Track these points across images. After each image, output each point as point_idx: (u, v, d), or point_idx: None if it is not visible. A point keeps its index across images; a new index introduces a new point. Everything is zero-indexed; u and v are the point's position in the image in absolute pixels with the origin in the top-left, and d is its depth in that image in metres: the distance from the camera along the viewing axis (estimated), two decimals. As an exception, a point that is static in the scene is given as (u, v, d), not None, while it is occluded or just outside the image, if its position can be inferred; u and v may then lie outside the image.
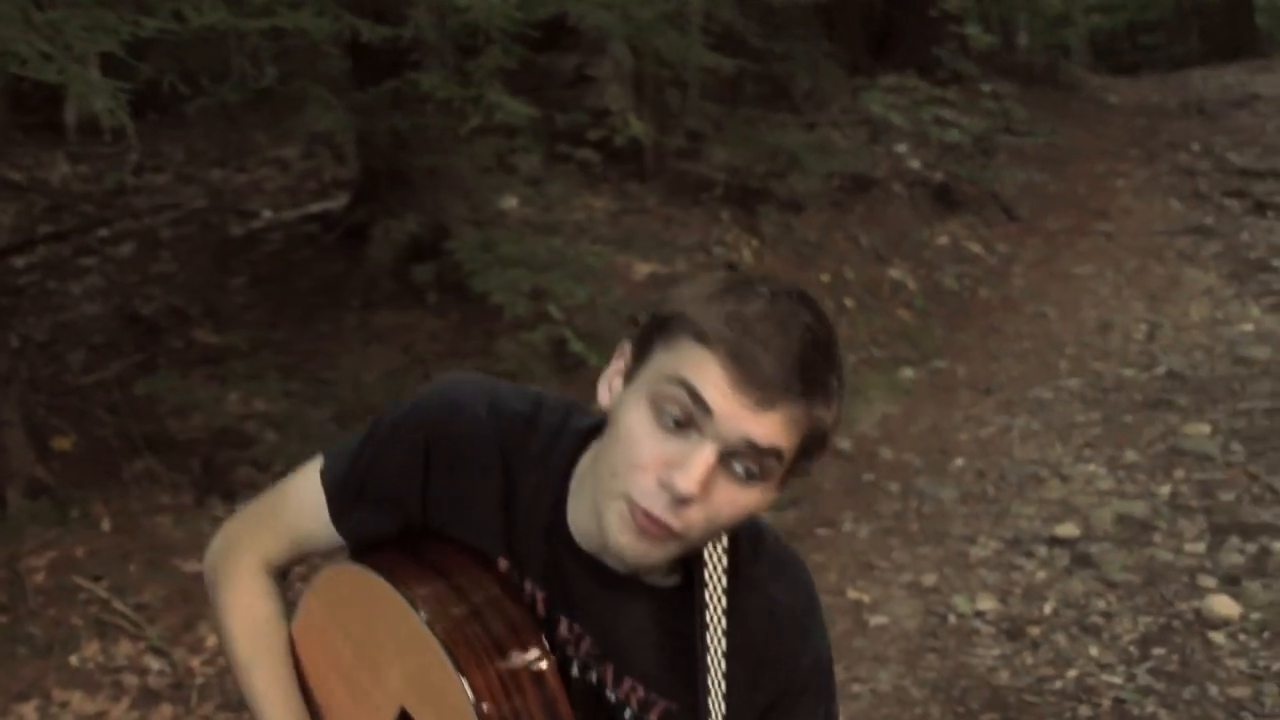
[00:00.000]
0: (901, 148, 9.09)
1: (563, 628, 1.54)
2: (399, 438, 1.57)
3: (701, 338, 1.36)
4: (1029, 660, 3.91)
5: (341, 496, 1.62)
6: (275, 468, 4.69)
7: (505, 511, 1.54)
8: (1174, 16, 18.67)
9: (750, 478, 1.37)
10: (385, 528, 1.60)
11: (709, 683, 1.49)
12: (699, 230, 7.08)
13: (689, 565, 1.52)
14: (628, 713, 1.55)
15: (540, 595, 1.55)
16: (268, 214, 6.29)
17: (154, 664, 3.86)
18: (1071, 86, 12.51)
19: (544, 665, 1.51)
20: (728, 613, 1.50)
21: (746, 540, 1.54)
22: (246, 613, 1.68)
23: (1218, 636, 3.92)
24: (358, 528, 1.62)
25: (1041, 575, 4.41)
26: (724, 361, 1.34)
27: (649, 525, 1.37)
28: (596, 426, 1.54)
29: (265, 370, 5.05)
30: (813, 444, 1.39)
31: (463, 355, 5.46)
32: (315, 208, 6.23)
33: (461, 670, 1.47)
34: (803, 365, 1.36)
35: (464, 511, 1.56)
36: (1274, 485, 4.85)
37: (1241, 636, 3.92)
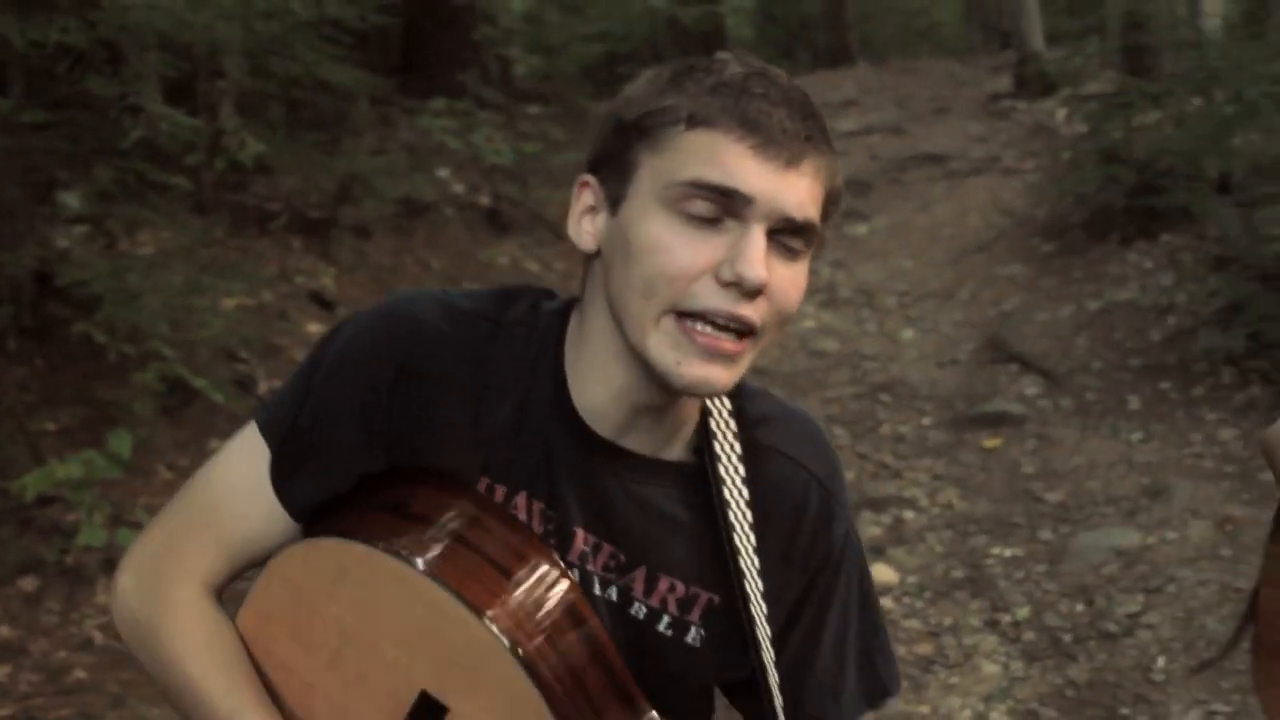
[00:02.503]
0: (443, 172, 9.11)
1: (579, 540, 1.35)
2: (351, 373, 1.34)
3: (701, 121, 1.24)
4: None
5: (288, 454, 1.35)
6: None
7: (477, 428, 1.33)
8: (648, 50, 19.79)
9: (795, 254, 1.28)
10: (338, 485, 1.36)
11: (743, 566, 1.35)
12: (275, 261, 6.80)
13: (698, 436, 1.38)
14: (663, 622, 1.37)
15: (537, 507, 1.34)
16: None
17: None
18: (581, 112, 12.97)
19: (565, 586, 1.32)
20: (748, 481, 1.37)
21: (747, 400, 1.43)
22: (194, 633, 1.37)
23: (887, 602, 4.18)
24: (309, 491, 1.36)
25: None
26: (739, 134, 1.23)
27: (713, 342, 1.25)
28: (571, 302, 1.39)
29: None
30: (831, 202, 1.30)
31: (59, 403, 4.98)
32: None
33: (481, 614, 1.23)
34: (806, 110, 1.27)
35: (434, 439, 1.34)
36: (884, 462, 5.24)
37: (906, 599, 4.20)
